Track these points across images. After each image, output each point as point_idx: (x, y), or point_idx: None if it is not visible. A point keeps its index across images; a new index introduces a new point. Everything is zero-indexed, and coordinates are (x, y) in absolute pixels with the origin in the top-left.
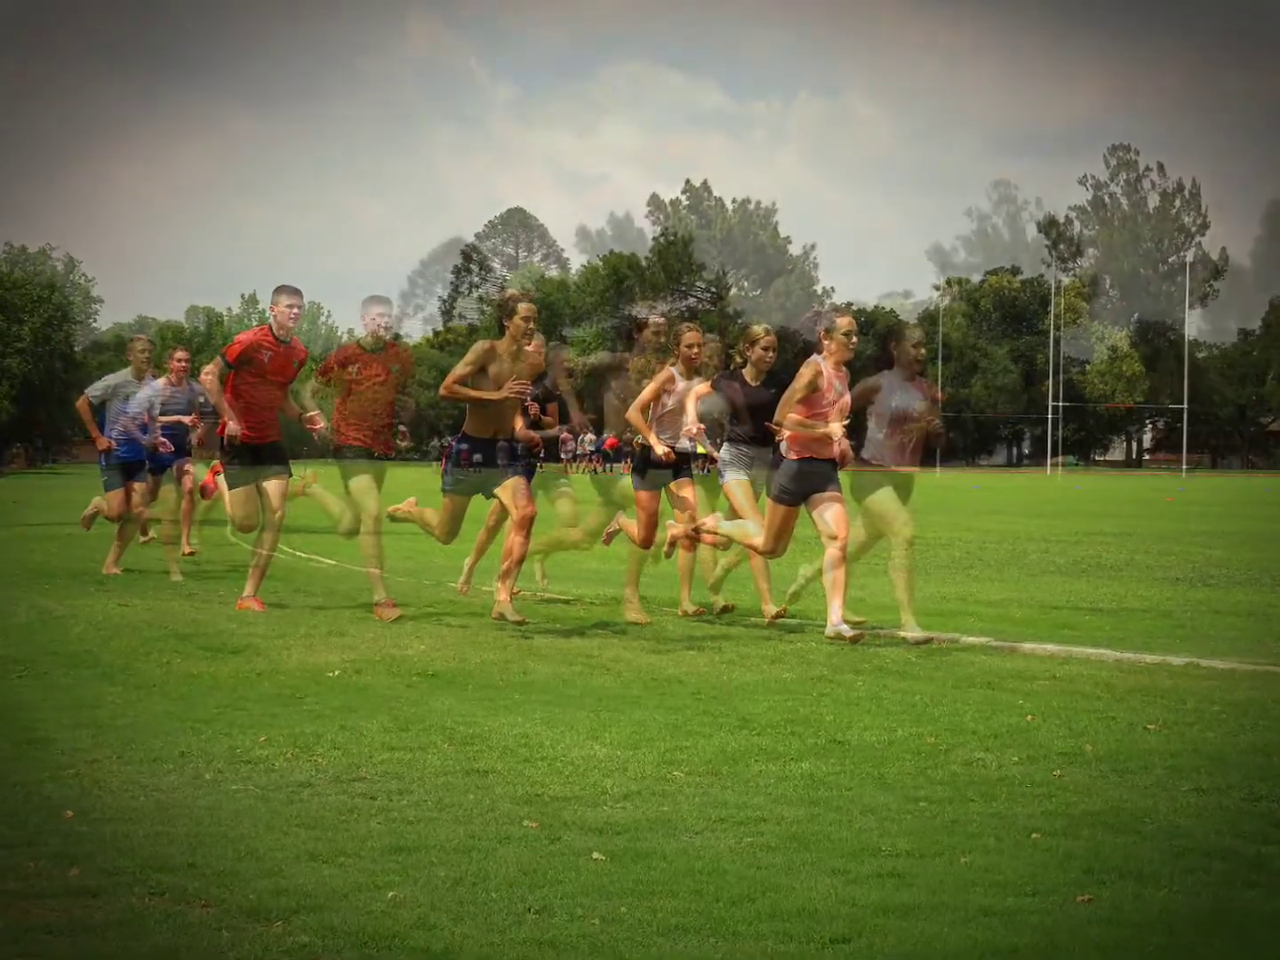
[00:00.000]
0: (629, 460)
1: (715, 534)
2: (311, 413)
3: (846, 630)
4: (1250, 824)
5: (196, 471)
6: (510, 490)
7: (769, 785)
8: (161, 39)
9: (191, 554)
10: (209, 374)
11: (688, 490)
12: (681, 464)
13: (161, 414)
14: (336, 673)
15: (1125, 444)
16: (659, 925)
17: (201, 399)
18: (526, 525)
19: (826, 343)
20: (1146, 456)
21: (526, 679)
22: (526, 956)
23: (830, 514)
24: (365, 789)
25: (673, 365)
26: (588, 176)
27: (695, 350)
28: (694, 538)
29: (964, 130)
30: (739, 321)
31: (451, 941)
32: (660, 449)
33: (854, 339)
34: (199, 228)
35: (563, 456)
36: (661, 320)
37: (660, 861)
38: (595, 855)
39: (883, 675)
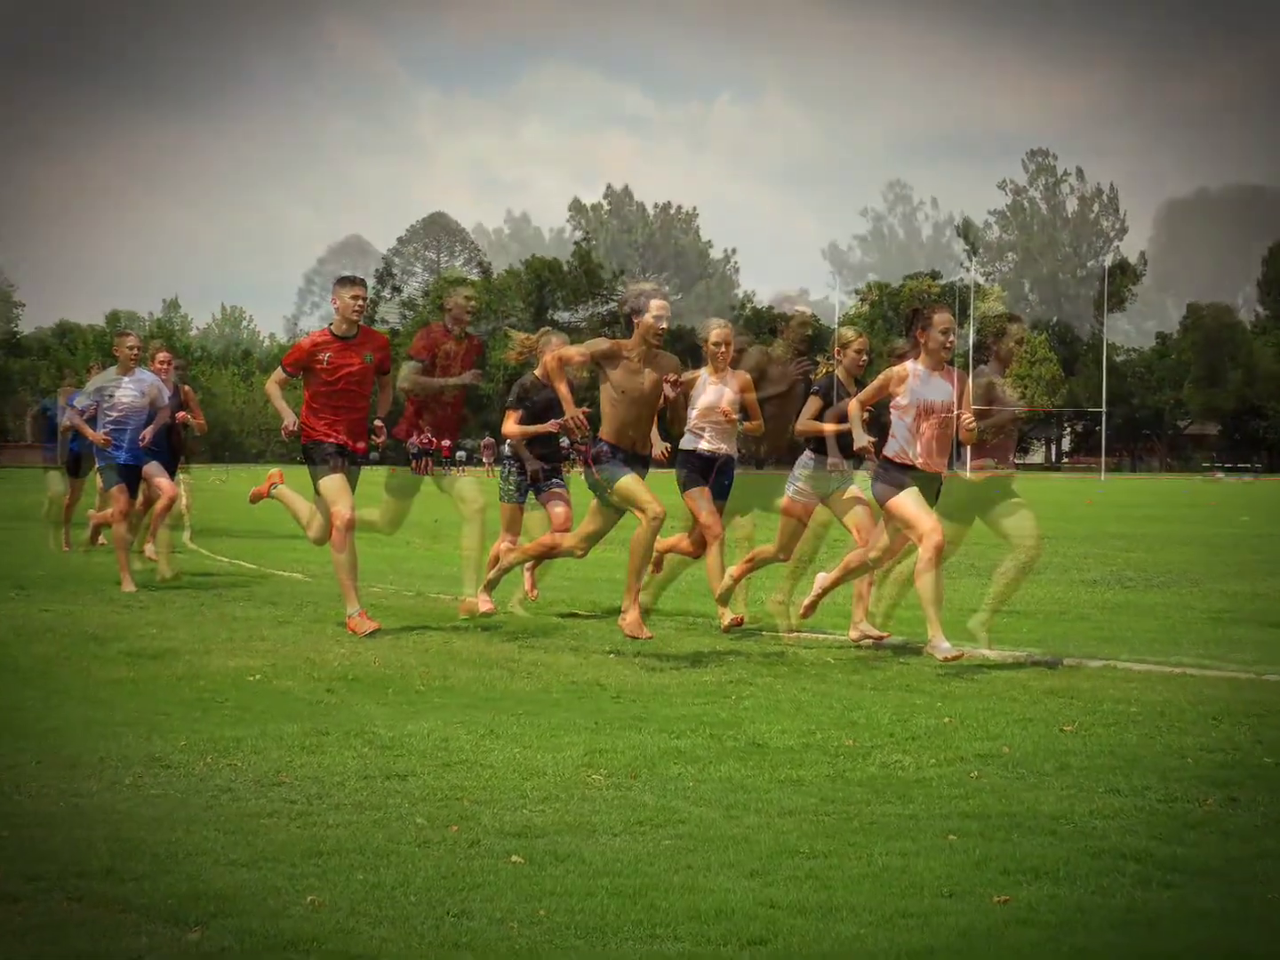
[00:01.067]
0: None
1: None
2: (376, 421)
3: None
4: (1165, 825)
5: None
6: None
7: (688, 788)
8: (78, 44)
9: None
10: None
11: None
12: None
13: (148, 419)
14: (257, 677)
15: (1044, 447)
16: (577, 927)
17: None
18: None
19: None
20: (1065, 459)
21: (446, 683)
22: (445, 959)
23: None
24: (285, 793)
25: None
26: (505, 181)
27: (724, 350)
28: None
29: (876, 132)
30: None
31: (370, 945)
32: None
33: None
34: (113, 232)
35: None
36: (809, 313)
37: (579, 864)
38: (514, 858)
39: (802, 679)
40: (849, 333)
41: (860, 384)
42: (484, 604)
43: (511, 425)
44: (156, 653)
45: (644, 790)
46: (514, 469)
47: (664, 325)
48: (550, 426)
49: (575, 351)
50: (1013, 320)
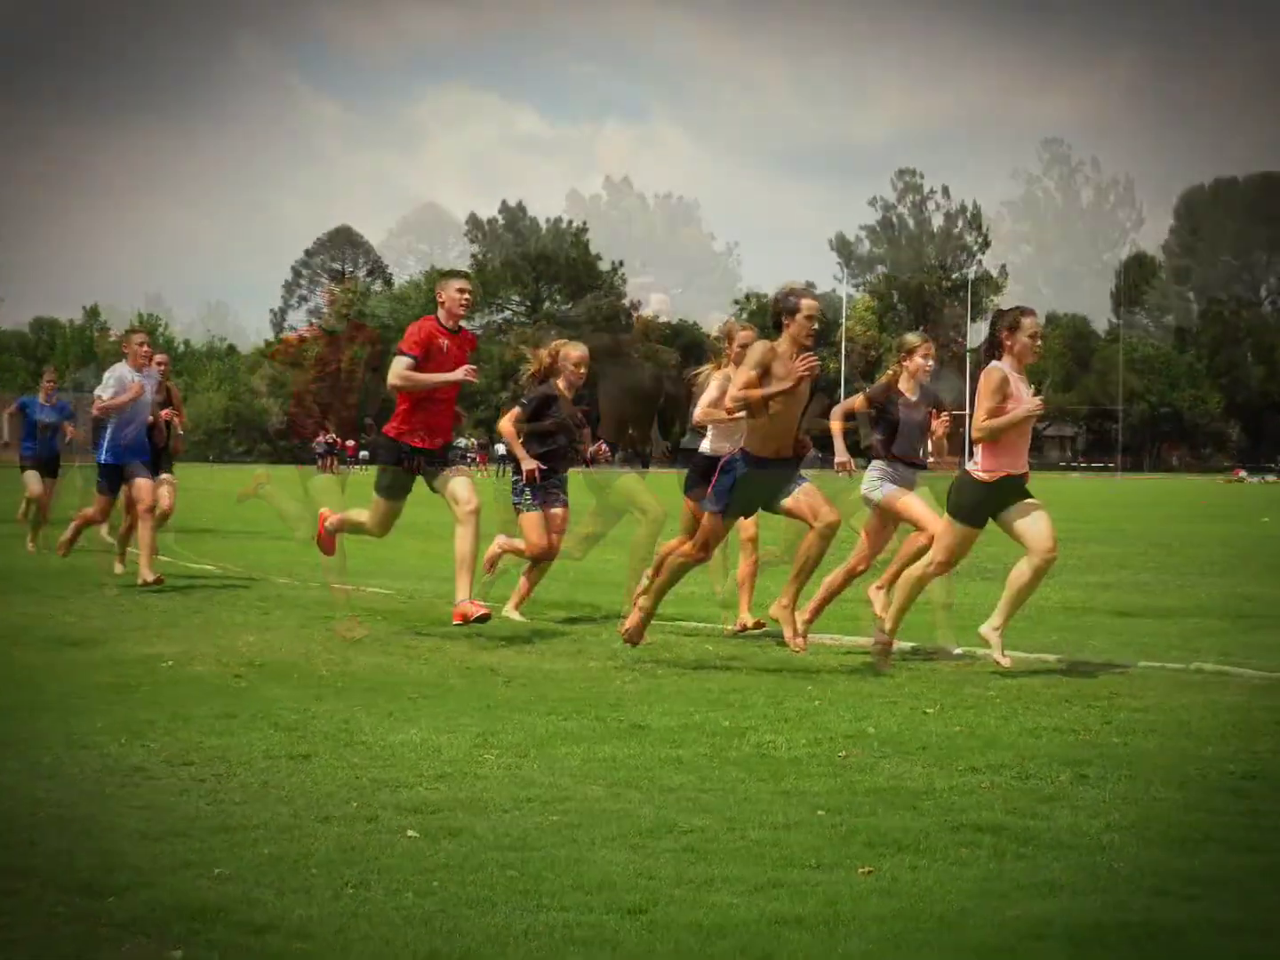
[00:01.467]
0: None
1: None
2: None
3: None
4: (1020, 800)
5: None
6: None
7: (574, 766)
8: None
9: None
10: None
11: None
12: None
13: (129, 419)
14: (170, 663)
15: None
16: (468, 898)
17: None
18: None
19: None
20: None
21: (349, 669)
22: (344, 928)
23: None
24: (194, 772)
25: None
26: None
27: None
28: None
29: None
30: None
31: (274, 915)
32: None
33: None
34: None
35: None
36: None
37: (471, 838)
38: (410, 833)
39: (682, 665)
40: (914, 338)
41: (923, 390)
42: (477, 608)
43: (507, 423)
44: (75, 640)
45: (533, 769)
46: (512, 468)
47: (816, 326)
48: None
49: (748, 377)
50: (1025, 314)
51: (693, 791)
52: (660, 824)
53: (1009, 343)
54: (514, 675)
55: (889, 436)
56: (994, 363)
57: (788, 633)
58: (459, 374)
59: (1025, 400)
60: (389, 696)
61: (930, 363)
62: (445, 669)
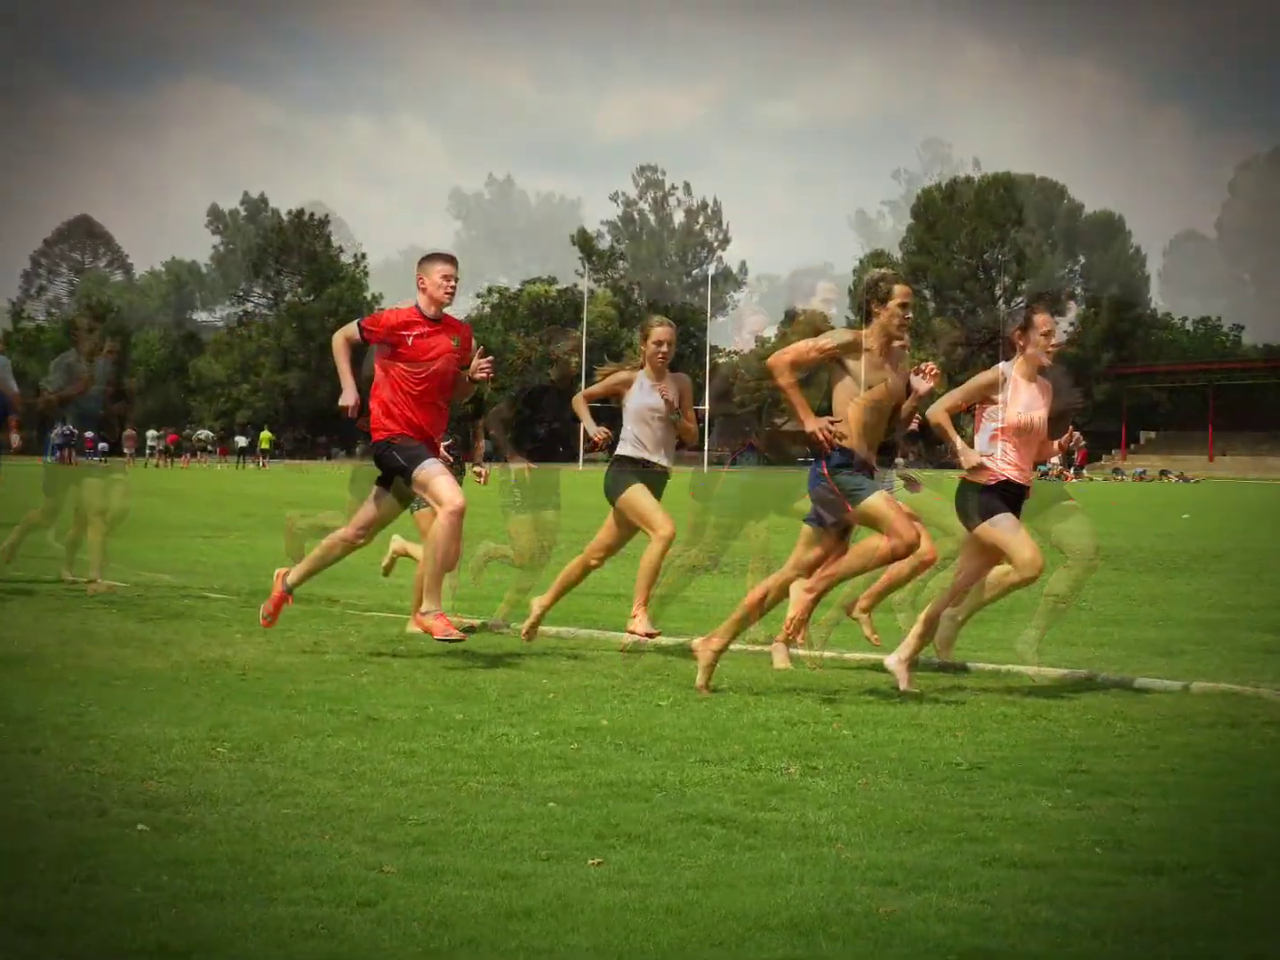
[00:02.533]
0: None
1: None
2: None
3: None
4: (749, 792)
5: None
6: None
7: (306, 760)
8: None
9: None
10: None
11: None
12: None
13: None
14: None
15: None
16: (197, 892)
17: None
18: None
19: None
20: None
21: (82, 662)
22: (72, 923)
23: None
24: None
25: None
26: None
27: (665, 349)
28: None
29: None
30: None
31: (0, 910)
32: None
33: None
34: None
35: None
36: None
37: (201, 832)
38: (140, 827)
39: (418, 656)
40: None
41: (953, 382)
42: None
43: (506, 411)
44: None
45: (265, 763)
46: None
47: (910, 315)
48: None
49: (816, 346)
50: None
51: (424, 784)
52: (391, 817)
53: (1021, 343)
54: (249, 669)
55: None
56: (1001, 363)
57: (866, 630)
58: (345, 396)
59: (1027, 406)
60: (121, 689)
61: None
62: (179, 663)
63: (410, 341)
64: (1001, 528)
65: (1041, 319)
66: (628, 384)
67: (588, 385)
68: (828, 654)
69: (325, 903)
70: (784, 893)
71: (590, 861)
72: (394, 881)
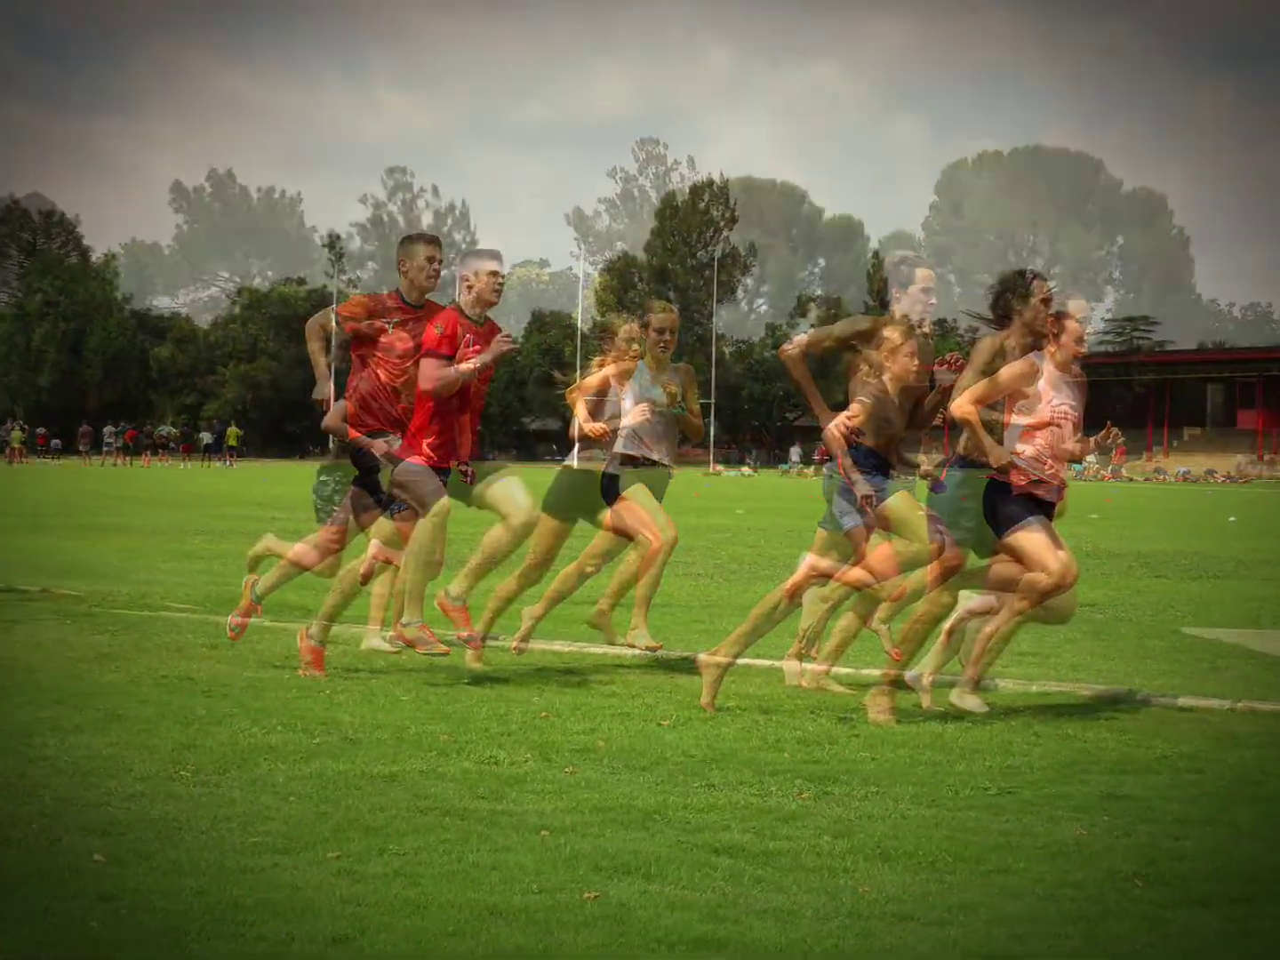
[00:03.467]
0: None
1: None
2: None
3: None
4: (760, 819)
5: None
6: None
7: (278, 784)
8: None
9: None
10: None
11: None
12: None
13: None
14: None
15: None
16: (158, 926)
17: None
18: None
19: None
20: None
21: (34, 678)
22: (26, 957)
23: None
24: None
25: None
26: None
27: (668, 338)
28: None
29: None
30: None
31: None
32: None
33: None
34: None
35: None
36: None
37: (162, 863)
38: (96, 857)
39: (400, 673)
40: (896, 335)
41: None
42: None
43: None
44: None
45: (233, 787)
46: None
47: (934, 300)
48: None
49: (830, 334)
50: (1072, 298)
51: (406, 811)
52: (370, 847)
53: (1051, 349)
54: (213, 685)
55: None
56: (1033, 354)
57: (885, 643)
58: (494, 349)
59: (1063, 401)
60: (76, 708)
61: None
62: (138, 677)
63: (391, 329)
64: (1031, 530)
65: (1073, 324)
66: (627, 376)
67: (583, 377)
68: (843, 670)
69: (298, 939)
70: (797, 929)
71: (585, 895)
72: (372, 916)
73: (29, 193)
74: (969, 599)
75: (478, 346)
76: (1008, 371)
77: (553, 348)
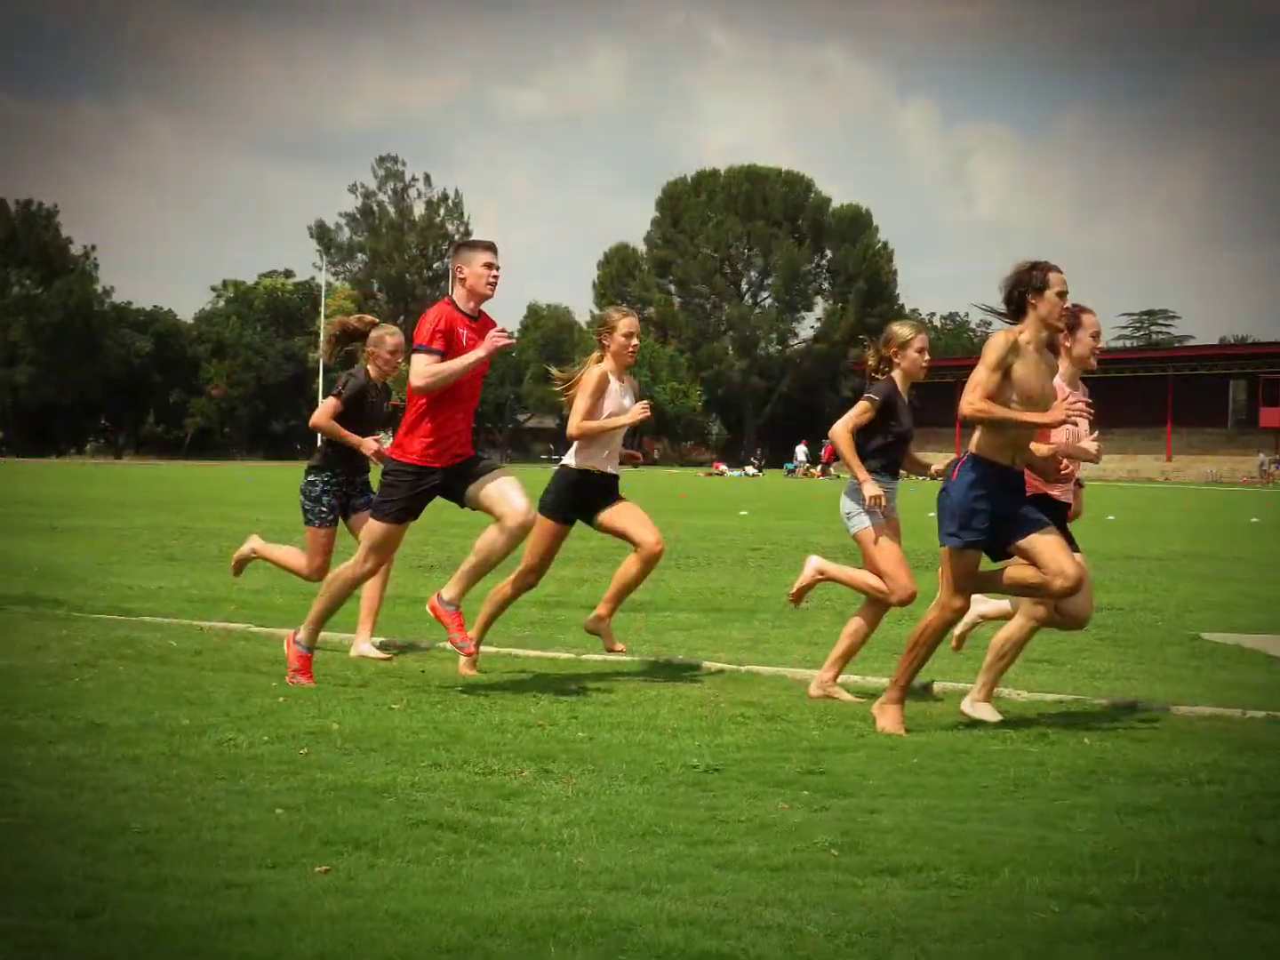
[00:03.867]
0: None
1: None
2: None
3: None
4: (482, 796)
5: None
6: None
7: (26, 768)
8: None
9: None
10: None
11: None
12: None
13: None
14: None
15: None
16: (139, 945)
17: None
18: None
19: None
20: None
21: (10, 684)
22: None
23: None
24: None
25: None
26: None
27: (636, 343)
28: None
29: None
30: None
31: None
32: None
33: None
34: None
35: None
36: None
37: (144, 877)
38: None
39: (145, 660)
40: (904, 330)
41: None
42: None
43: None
44: None
45: (217, 799)
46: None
47: (1069, 304)
48: None
49: (988, 385)
50: (1085, 311)
51: (148, 791)
52: (113, 825)
53: (1067, 344)
54: (198, 693)
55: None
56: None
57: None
58: (488, 344)
59: (1069, 399)
60: (55, 716)
61: (927, 357)
62: (119, 685)
63: (466, 342)
64: (1044, 533)
65: (1089, 319)
66: (605, 384)
67: (558, 388)
68: (852, 677)
69: (43, 914)
70: (514, 899)
71: (316, 869)
72: (114, 892)
73: None
74: (980, 603)
75: (473, 341)
76: (1022, 368)
77: (550, 340)
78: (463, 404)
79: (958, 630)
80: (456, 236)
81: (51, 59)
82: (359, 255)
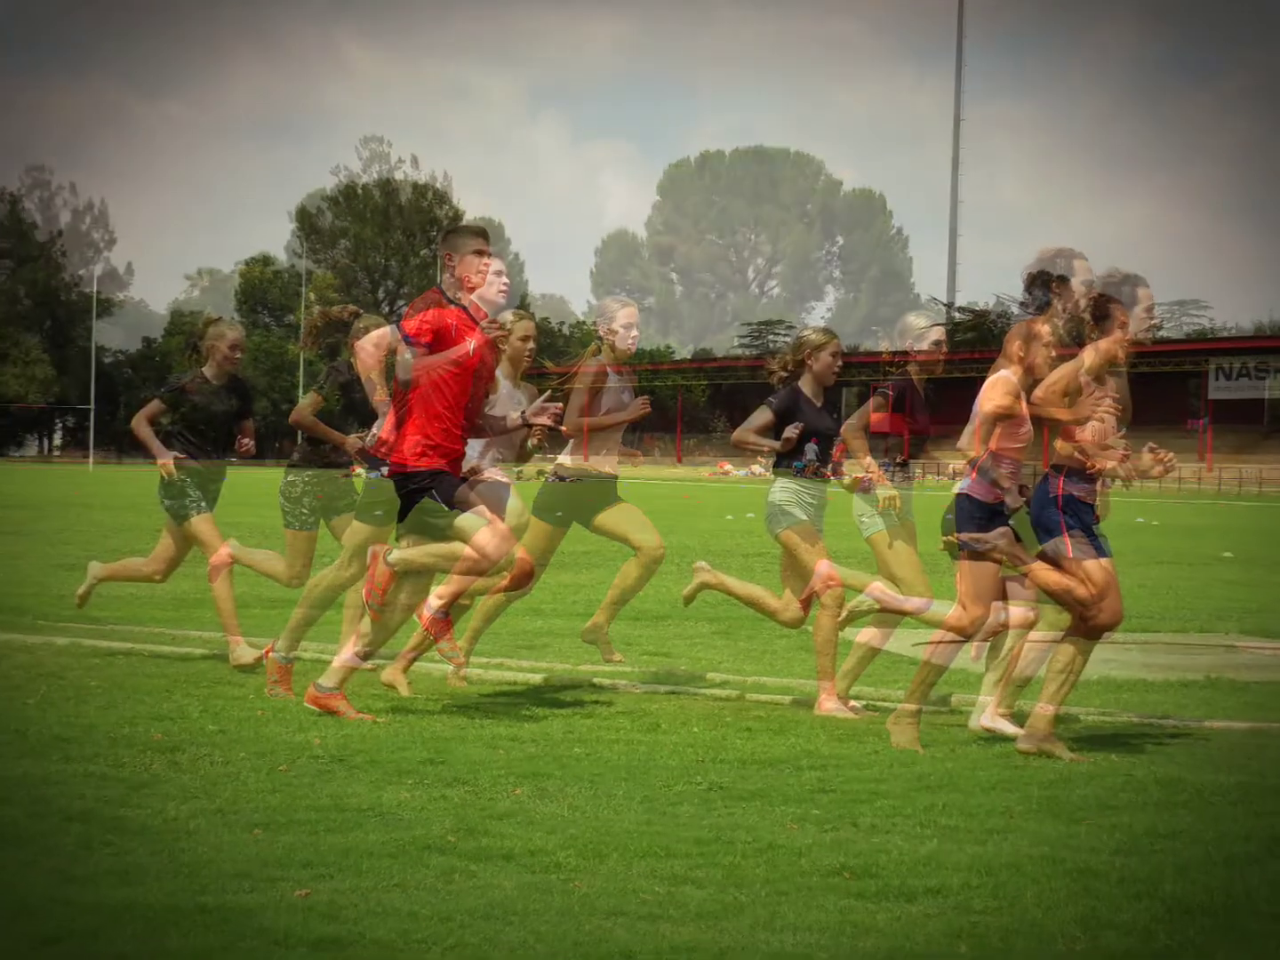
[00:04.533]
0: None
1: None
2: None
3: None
4: (472, 815)
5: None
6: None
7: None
8: None
9: None
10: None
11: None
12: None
13: None
14: None
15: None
16: None
17: None
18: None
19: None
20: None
21: None
22: None
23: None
24: None
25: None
26: None
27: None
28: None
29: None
30: None
31: None
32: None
33: None
34: None
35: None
36: None
37: (114, 902)
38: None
39: (114, 672)
40: (816, 336)
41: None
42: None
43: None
44: None
45: (192, 818)
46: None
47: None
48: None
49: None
50: (1121, 297)
51: (119, 810)
52: (83, 845)
53: (1100, 315)
54: (171, 708)
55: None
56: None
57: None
58: (479, 336)
59: (1096, 395)
60: (20, 732)
61: (840, 365)
62: (87, 697)
63: (454, 334)
64: (1074, 538)
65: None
66: (604, 378)
67: (563, 383)
68: (865, 689)
69: (8, 939)
70: (509, 926)
71: (297, 892)
72: (81, 916)
73: None
74: (1000, 611)
75: (462, 333)
76: (1059, 372)
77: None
78: (454, 401)
79: (977, 640)
80: (444, 222)
81: (14, 33)
82: (342, 241)
